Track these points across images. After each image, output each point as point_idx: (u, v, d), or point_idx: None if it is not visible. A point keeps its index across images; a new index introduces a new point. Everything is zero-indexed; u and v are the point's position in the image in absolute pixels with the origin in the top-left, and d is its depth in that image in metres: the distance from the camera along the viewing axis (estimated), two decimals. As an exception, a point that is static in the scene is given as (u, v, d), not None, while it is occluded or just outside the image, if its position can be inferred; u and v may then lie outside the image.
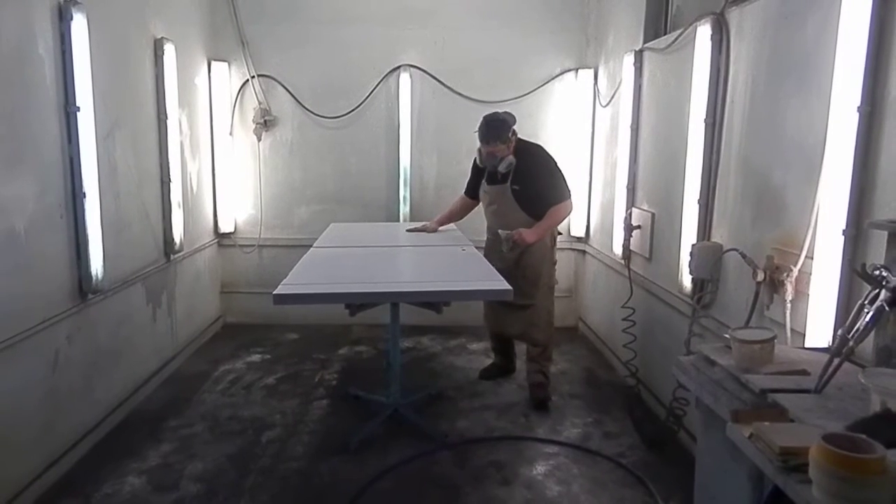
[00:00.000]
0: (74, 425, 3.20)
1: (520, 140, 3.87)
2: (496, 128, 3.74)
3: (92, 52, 3.17)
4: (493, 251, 3.94)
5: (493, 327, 4.21)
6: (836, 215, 2.16)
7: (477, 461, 3.25)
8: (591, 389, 4.21)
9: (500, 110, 3.91)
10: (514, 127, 3.82)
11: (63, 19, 3.03)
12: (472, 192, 4.19)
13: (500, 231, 3.75)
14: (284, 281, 3.12)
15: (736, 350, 1.87)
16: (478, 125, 3.80)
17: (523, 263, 3.83)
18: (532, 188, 3.79)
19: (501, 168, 3.78)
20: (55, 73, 3.01)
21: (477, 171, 4.06)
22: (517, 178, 3.80)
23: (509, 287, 3.10)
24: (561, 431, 3.58)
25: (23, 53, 2.80)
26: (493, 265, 3.59)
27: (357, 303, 3.38)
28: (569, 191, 3.89)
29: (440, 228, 4.45)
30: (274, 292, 2.92)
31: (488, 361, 4.46)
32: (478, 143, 3.83)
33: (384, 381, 3.75)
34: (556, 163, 3.90)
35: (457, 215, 4.41)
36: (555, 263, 4.02)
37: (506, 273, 3.39)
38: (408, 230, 4.53)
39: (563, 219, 3.96)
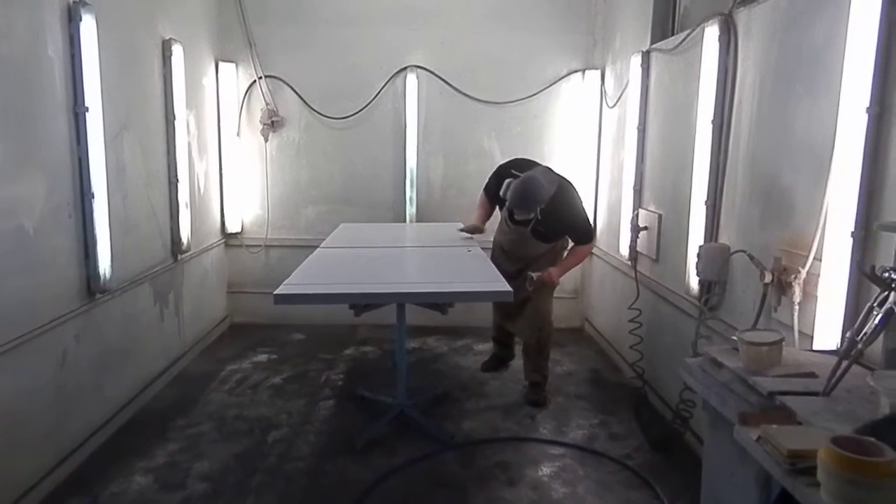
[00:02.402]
0: (83, 424, 3.22)
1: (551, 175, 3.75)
2: (527, 202, 3.61)
3: (100, 54, 3.19)
4: (499, 257, 3.99)
5: (498, 319, 4.32)
6: (845, 217, 2.15)
7: (483, 462, 3.25)
8: (597, 391, 4.20)
9: (544, 175, 3.68)
10: (550, 191, 3.63)
11: (72, 20, 3.05)
12: (493, 197, 4.02)
13: (530, 273, 3.74)
14: (287, 281, 3.12)
15: (743, 352, 1.86)
16: (513, 184, 3.61)
17: (534, 267, 3.83)
18: (556, 229, 3.82)
19: (518, 217, 3.80)
20: (64, 74, 3.03)
21: (498, 191, 3.80)
22: (542, 221, 3.74)
23: (510, 289, 3.11)
24: (567, 433, 3.57)
25: (32, 55, 2.82)
26: (502, 266, 3.65)
27: (361, 303, 3.37)
28: (593, 231, 3.88)
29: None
30: (275, 292, 2.91)
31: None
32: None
33: (390, 381, 3.75)
34: (581, 203, 3.87)
35: (488, 215, 4.23)
36: None
37: (516, 273, 3.42)
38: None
39: (585, 258, 4.00)
